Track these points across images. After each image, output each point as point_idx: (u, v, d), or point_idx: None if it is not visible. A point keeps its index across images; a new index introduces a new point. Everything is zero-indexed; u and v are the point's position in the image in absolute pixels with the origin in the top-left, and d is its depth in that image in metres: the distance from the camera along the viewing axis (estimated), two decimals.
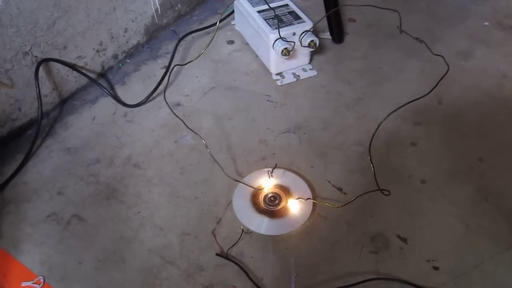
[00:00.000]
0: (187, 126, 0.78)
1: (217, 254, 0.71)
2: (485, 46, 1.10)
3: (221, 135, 0.91)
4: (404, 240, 0.72)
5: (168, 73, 1.03)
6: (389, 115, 0.66)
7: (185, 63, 0.91)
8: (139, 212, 0.78)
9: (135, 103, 0.98)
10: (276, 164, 0.77)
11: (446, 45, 1.11)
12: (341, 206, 0.69)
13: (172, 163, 0.86)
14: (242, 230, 0.73)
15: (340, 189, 0.80)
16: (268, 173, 0.76)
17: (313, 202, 0.75)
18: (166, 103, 0.79)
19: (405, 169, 0.83)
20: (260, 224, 0.73)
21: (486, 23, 1.17)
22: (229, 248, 0.71)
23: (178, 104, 0.99)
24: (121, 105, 0.99)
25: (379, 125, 0.66)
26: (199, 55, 0.82)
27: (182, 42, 1.13)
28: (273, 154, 0.87)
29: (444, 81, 0.85)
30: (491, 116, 0.92)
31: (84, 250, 0.73)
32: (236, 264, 0.69)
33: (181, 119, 0.77)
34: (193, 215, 0.77)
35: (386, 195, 0.67)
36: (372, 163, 0.67)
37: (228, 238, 0.73)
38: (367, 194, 0.71)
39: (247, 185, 0.76)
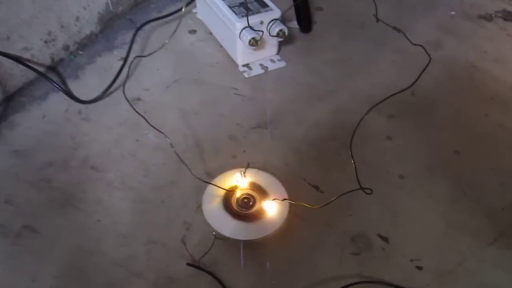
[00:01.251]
0: (149, 123, 0.71)
1: (188, 264, 0.65)
2: (454, 36, 1.08)
3: (187, 132, 0.84)
4: (385, 239, 0.69)
5: (127, 65, 0.95)
6: (370, 109, 0.62)
7: (145, 54, 0.84)
8: (99, 220, 0.71)
9: (90, 98, 0.90)
10: (248, 164, 0.71)
11: (416, 35, 1.06)
12: (321, 207, 0.65)
13: (134, 164, 0.79)
14: (215, 235, 0.67)
15: (316, 188, 0.75)
16: (241, 173, 0.70)
17: (290, 202, 0.70)
18: (126, 98, 0.71)
19: (383, 164, 0.79)
20: (234, 229, 0.68)
21: (453, 13, 1.16)
22: (201, 257, 0.65)
23: (138, 99, 0.91)
24: (74, 101, 0.90)
25: (360, 121, 0.62)
26: (163, 45, 0.75)
27: (140, 32, 1.05)
28: (244, 151, 0.81)
29: (416, 72, 0.83)
30: (464, 108, 0.91)
31: (38, 266, 0.65)
32: (209, 273, 0.64)
33: (142, 116, 0.70)
34: (160, 221, 0.71)
35: (368, 194, 0.63)
36: (353, 161, 0.63)
37: (199, 245, 0.67)
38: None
39: (217, 186, 0.70)
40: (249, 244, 0.68)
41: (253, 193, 0.72)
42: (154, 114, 0.88)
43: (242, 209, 0.70)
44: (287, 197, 0.71)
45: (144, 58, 1.00)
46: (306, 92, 0.93)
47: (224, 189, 0.71)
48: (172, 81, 0.95)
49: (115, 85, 0.94)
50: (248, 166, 0.71)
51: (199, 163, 0.78)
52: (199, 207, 0.72)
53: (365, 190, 0.63)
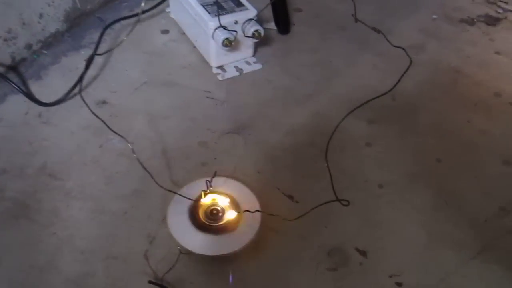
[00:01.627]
0: (110, 129, 0.65)
1: (150, 282, 0.59)
2: (436, 40, 1.05)
3: (154, 137, 0.79)
4: (363, 253, 0.64)
5: (95, 66, 0.89)
6: (347, 115, 0.58)
7: (104, 52, 0.78)
8: (54, 233, 0.65)
9: (52, 101, 0.84)
10: (215, 172, 0.66)
11: (398, 38, 1.03)
12: (295, 219, 0.60)
13: (96, 171, 0.73)
14: (180, 250, 0.62)
15: (291, 197, 0.71)
16: (207, 183, 0.65)
17: (262, 214, 0.65)
18: (84, 101, 0.65)
19: (361, 173, 0.75)
20: (201, 243, 0.63)
21: (435, 16, 1.13)
22: (165, 273, 0.60)
23: (104, 102, 0.85)
24: (35, 104, 0.84)
25: (336, 127, 0.57)
26: (120, 42, 0.69)
27: (109, 31, 0.99)
28: (215, 158, 0.76)
29: (397, 76, 0.80)
30: (446, 114, 0.87)
31: None
32: None
33: (102, 121, 0.65)
34: (121, 234, 0.65)
35: (345, 205, 0.58)
36: (329, 170, 0.58)
37: (163, 260, 0.62)
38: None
39: (184, 197, 0.65)
40: (217, 260, 0.63)
41: (222, 203, 0.67)
42: (120, 118, 0.83)
43: (210, 221, 0.65)
44: (259, 208, 0.66)
45: (113, 59, 0.94)
46: (283, 96, 0.89)
47: (191, 199, 0.66)
48: (141, 83, 0.90)
49: (80, 87, 0.88)
50: (215, 174, 0.65)
51: (166, 171, 0.73)
52: (164, 219, 0.66)
53: (342, 202, 0.59)
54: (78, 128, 0.80)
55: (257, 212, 0.65)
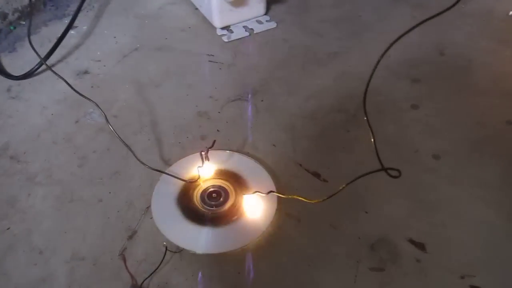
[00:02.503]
0: (86, 98, 0.50)
1: None
2: None
3: (143, 108, 0.63)
4: (420, 246, 0.46)
5: (78, 34, 0.75)
6: (378, 62, 0.40)
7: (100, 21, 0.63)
8: (8, 228, 0.50)
9: (22, 73, 0.69)
10: (214, 141, 0.50)
11: None
12: (323, 200, 0.43)
13: (68, 151, 0.58)
14: (166, 248, 0.45)
15: (317, 175, 0.54)
16: (202, 155, 0.48)
17: (279, 197, 0.48)
18: (51, 70, 0.50)
19: (409, 141, 0.57)
20: (196, 238, 0.46)
21: None
22: (146, 278, 0.44)
23: (86, 72, 0.71)
24: (4, 77, 0.70)
25: (368, 82, 0.40)
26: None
27: None
28: (218, 130, 0.60)
29: (444, 28, 0.70)
30: (509, 67, 0.68)
31: None
32: None
33: (77, 91, 0.49)
34: (93, 228, 0.49)
35: (394, 177, 0.41)
36: (370, 127, 0.41)
37: (145, 261, 0.46)
38: (358, 180, 0.45)
39: (173, 176, 0.49)
40: (218, 259, 0.46)
41: (225, 184, 0.50)
42: (103, 88, 0.68)
43: (208, 207, 0.49)
44: (274, 189, 0.49)
45: (100, 25, 0.80)
46: (302, 56, 0.72)
47: (183, 179, 0.50)
48: (131, 49, 0.75)
49: (58, 56, 0.73)
50: (213, 144, 0.49)
51: (155, 147, 0.57)
52: (148, 207, 0.50)
53: (390, 172, 0.41)
54: (51, 102, 0.65)
55: (271, 194, 0.48)
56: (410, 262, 0.45)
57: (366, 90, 0.41)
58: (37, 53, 0.68)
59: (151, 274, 0.44)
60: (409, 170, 0.53)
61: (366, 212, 0.50)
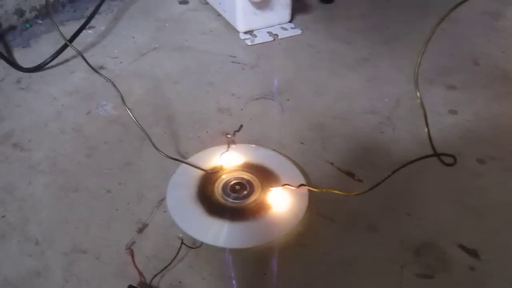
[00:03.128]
0: (103, 76, 0.46)
1: (130, 287, 0.37)
2: None
3: (160, 102, 0.59)
4: (473, 253, 0.40)
5: (95, 33, 0.72)
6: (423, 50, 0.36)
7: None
8: (3, 216, 0.44)
9: (34, 65, 0.66)
10: (241, 126, 0.45)
11: (469, 6, 0.83)
12: (364, 192, 0.37)
13: (77, 141, 0.53)
14: (182, 240, 0.39)
15: (350, 174, 0.48)
16: (228, 139, 0.43)
17: (310, 195, 0.43)
18: (73, 47, 0.46)
19: (450, 145, 0.52)
20: (216, 231, 0.40)
21: None
22: (156, 275, 0.38)
23: (101, 67, 0.67)
24: (15, 70, 0.66)
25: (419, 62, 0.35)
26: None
27: (117, 2, 0.82)
28: (241, 126, 0.55)
29: (476, 41, 0.69)
30: None
31: None
32: None
33: (95, 70, 0.45)
34: (98, 220, 0.44)
35: (448, 165, 0.35)
36: (423, 106, 0.36)
37: (156, 258, 0.40)
38: (397, 181, 0.39)
39: (192, 166, 0.44)
40: (241, 257, 0.40)
41: (249, 177, 0.45)
42: (119, 83, 0.63)
43: (231, 200, 0.43)
44: (304, 182, 0.44)
45: (119, 26, 0.77)
46: (329, 60, 0.68)
47: (204, 170, 0.45)
48: (150, 49, 0.71)
49: (72, 53, 0.70)
50: (240, 128, 0.44)
51: (170, 141, 0.52)
52: (162, 200, 0.45)
53: (442, 158, 0.35)
54: (62, 93, 0.62)
55: (302, 188, 0.42)
56: (462, 269, 0.39)
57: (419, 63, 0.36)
58: (63, 49, 0.65)
59: (162, 270, 0.38)
60: (455, 172, 0.48)
61: (408, 215, 0.44)
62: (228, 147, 0.44)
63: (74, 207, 0.45)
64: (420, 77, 0.64)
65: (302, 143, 0.52)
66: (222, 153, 0.44)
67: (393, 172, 0.36)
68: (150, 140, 0.46)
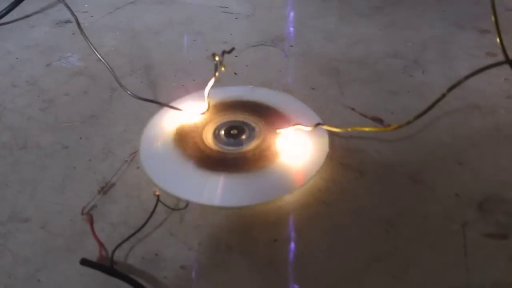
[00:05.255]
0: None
1: (83, 262, 0.26)
2: None
3: (137, 53, 0.48)
4: None
5: None
6: None
7: None
8: None
9: None
10: (233, 48, 0.34)
11: None
12: (407, 123, 0.27)
13: (30, 94, 0.42)
14: (158, 198, 0.29)
15: (379, 120, 0.37)
16: (214, 58, 0.32)
17: (330, 141, 0.32)
18: None
19: (494, 88, 0.42)
20: (209, 187, 0.30)
21: None
22: (119, 245, 0.27)
23: (68, 21, 0.56)
24: None
25: None
26: None
27: None
28: (235, 73, 0.44)
29: None
30: None
31: None
32: (132, 283, 0.25)
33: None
34: (48, 181, 0.33)
35: None
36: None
37: (125, 224, 0.29)
38: (441, 128, 0.28)
39: (173, 108, 0.33)
40: (241, 218, 0.29)
41: (248, 119, 0.34)
42: (88, 36, 0.52)
43: (226, 147, 0.32)
44: (321, 122, 0.33)
45: None
46: (337, 9, 0.58)
47: (188, 112, 0.34)
48: (126, 2, 0.61)
49: (34, 8, 0.59)
50: (232, 50, 0.33)
51: (147, 90, 0.42)
52: (135, 153, 0.34)
53: None
54: (18, 48, 0.51)
55: (320, 130, 0.32)
56: None
57: None
58: (19, 2, 0.54)
59: (128, 237, 0.27)
60: (497, 116, 0.37)
61: (460, 163, 0.33)
62: (216, 70, 0.33)
63: (18, 166, 0.34)
64: (447, 23, 0.54)
65: (313, 88, 0.42)
66: (209, 85, 0.33)
67: (449, 90, 0.26)
68: (121, 85, 0.36)
